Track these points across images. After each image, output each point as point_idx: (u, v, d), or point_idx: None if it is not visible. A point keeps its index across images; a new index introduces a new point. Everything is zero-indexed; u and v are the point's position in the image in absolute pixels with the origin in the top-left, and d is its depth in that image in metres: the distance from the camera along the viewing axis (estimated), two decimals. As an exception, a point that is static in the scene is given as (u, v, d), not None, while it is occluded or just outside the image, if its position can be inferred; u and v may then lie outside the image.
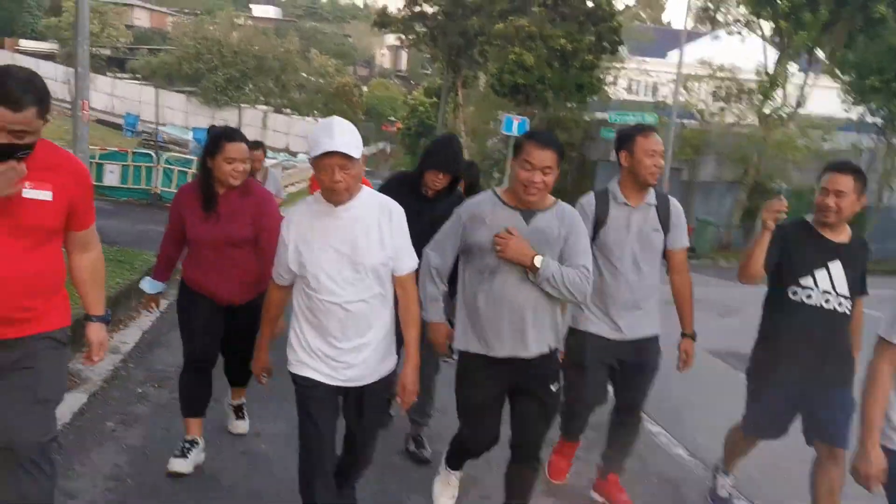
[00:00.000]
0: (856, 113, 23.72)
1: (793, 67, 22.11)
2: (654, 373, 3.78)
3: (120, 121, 37.14)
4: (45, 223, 2.47)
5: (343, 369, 2.87)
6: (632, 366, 3.71)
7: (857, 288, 3.54)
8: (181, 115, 46.01)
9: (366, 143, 2.96)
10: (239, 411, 4.33)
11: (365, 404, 2.98)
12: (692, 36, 27.40)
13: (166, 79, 45.78)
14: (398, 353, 3.08)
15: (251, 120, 45.16)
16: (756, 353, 3.72)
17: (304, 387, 2.89)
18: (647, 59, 32.88)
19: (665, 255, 3.75)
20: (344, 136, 2.71)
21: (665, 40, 33.96)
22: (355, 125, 2.88)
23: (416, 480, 3.94)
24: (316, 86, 53.56)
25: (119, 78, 47.18)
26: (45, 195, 2.44)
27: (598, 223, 3.63)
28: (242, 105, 46.64)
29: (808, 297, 3.46)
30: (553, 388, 3.20)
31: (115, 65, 50.42)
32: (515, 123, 19.31)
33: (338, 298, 2.81)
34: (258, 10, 68.84)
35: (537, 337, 3.10)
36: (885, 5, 19.89)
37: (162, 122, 36.98)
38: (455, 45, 23.80)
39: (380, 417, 3.20)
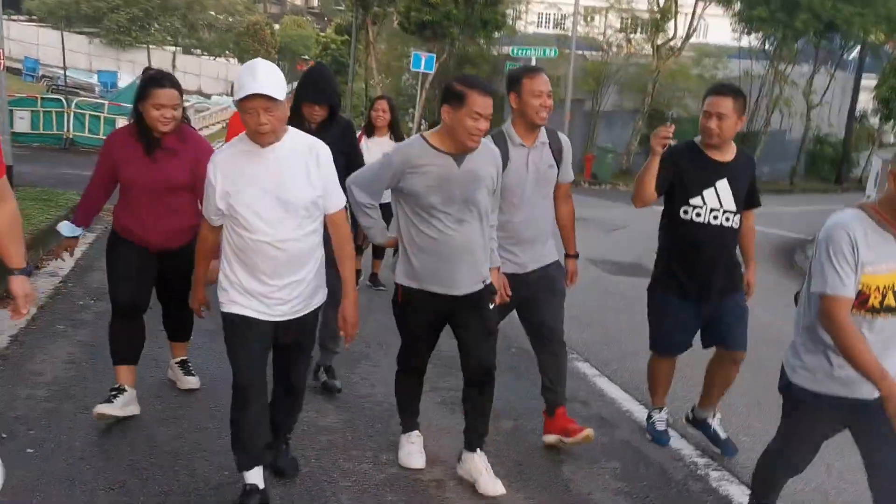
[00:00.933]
0: (746, 41, 25.33)
1: None
2: (562, 295, 3.91)
3: (18, 65, 35.86)
4: None
5: (277, 305, 2.95)
6: (543, 292, 3.81)
7: (747, 201, 3.77)
8: (84, 58, 44.43)
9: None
10: (185, 366, 4.25)
11: (298, 335, 3.08)
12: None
13: (65, 20, 44.00)
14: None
15: (159, 62, 44.01)
16: (655, 272, 3.94)
17: (236, 324, 2.93)
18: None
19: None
20: (268, 77, 2.75)
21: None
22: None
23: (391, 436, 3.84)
24: (226, 24, 52.30)
25: (13, 20, 45.09)
26: None
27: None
28: (151, 46, 45.32)
29: (698, 215, 3.67)
30: (490, 305, 3.36)
31: (9, 5, 48.00)
32: (423, 59, 19.99)
33: (268, 237, 2.86)
34: (158, -54, 66.25)
35: (469, 276, 3.26)
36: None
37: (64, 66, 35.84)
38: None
39: (310, 347, 3.25)
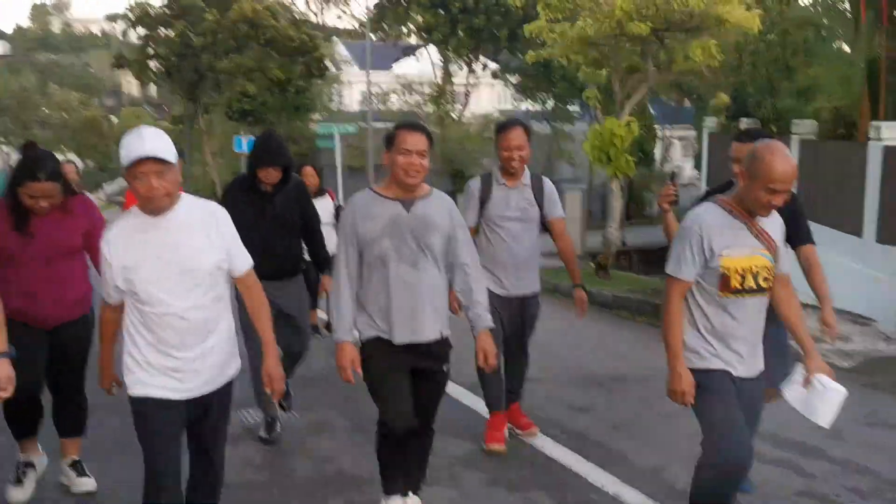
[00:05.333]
0: (525, 106, 30.43)
1: (462, 76, 28.27)
2: (534, 324, 4.62)
3: None
4: None
5: (189, 380, 2.84)
6: (518, 317, 4.48)
7: (799, 238, 3.74)
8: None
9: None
10: (77, 468, 3.94)
11: (213, 409, 2.96)
12: (409, 50, 33.02)
13: None
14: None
15: (-5, 162, 44.72)
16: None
17: (147, 407, 2.82)
18: (375, 71, 38.31)
19: (548, 224, 4.49)
20: (156, 141, 2.65)
21: (396, 52, 39.04)
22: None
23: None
24: (61, 121, 53.29)
25: None
26: None
27: (483, 200, 4.36)
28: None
29: None
30: (445, 368, 3.44)
31: None
32: (244, 142, 23.49)
33: (173, 308, 2.76)
34: (-16, 47, 66.15)
35: (432, 322, 3.30)
36: (507, 29, 26.12)
37: None
38: (190, 80, 27.52)
39: (227, 421, 3.11)
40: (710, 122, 18.37)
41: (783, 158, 2.90)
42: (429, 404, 3.47)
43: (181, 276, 2.78)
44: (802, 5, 15.16)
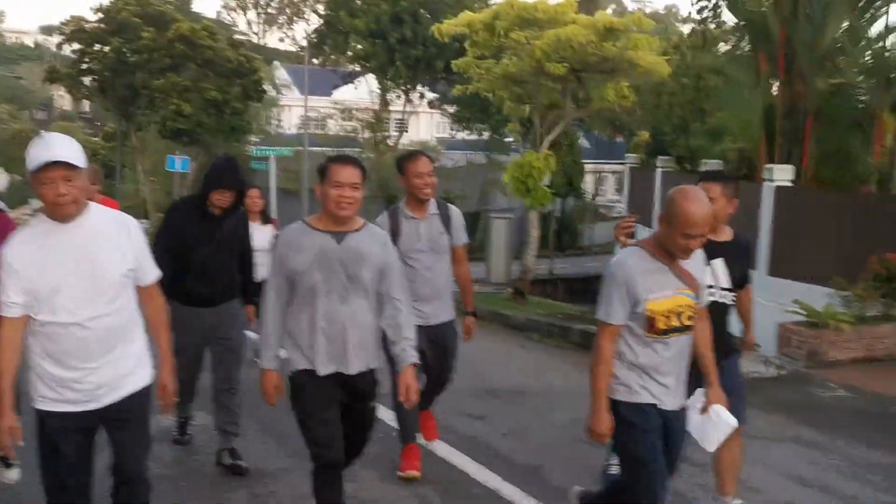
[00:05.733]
0: (463, 135, 31.19)
1: (399, 103, 28.87)
2: (455, 349, 4.68)
3: None
4: None
5: (93, 390, 2.78)
6: (438, 344, 4.54)
7: (741, 280, 3.80)
8: None
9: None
10: (3, 460, 3.88)
11: (124, 421, 2.90)
12: (348, 77, 33.47)
13: None
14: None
15: (-85, 173, 43.21)
16: None
17: (53, 422, 2.77)
18: (314, 96, 38.72)
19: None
20: (64, 146, 2.62)
21: (336, 78, 39.47)
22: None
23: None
24: (-13, 133, 51.90)
25: None
26: None
27: (394, 234, 4.21)
28: None
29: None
30: (371, 405, 3.49)
31: None
32: (178, 161, 23.52)
33: (75, 318, 2.70)
34: None
35: (360, 354, 3.31)
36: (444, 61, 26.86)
37: None
38: (124, 96, 27.40)
39: (143, 429, 3.04)
40: (631, 158, 19.32)
41: (698, 204, 2.96)
42: (356, 438, 3.52)
43: (89, 283, 2.73)
44: (714, 52, 16.23)
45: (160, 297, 3.07)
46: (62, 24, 29.64)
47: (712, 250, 3.55)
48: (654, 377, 3.17)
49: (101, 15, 27.87)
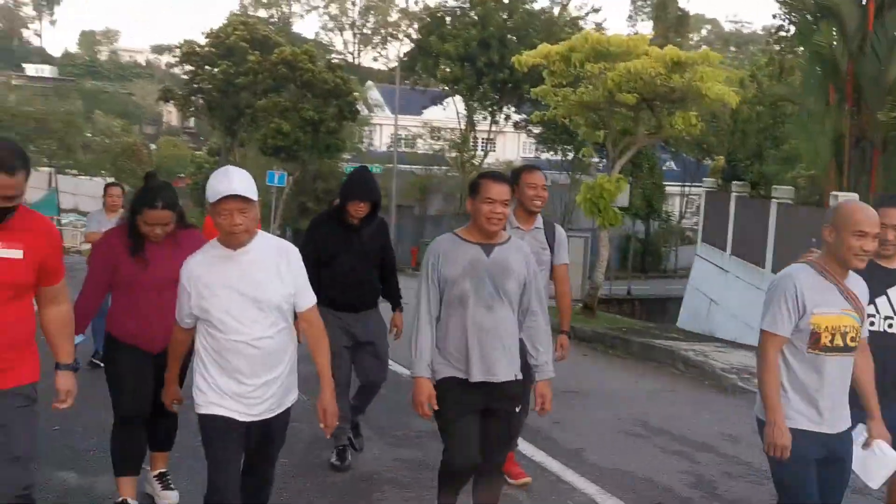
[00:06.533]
0: (547, 156, 32.01)
1: (485, 124, 29.98)
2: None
3: None
4: (17, 279, 2.70)
5: (254, 405, 3.03)
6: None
7: None
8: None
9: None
10: (163, 480, 4.11)
11: (272, 435, 3.17)
12: (437, 98, 34.82)
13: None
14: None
15: (36, 181, 46.55)
16: None
17: (215, 425, 3.00)
18: (404, 116, 40.39)
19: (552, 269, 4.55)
20: (242, 181, 2.88)
21: (425, 99, 40.82)
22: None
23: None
24: (102, 146, 55.34)
25: None
26: (17, 254, 2.68)
27: None
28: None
29: (872, 324, 3.45)
30: (517, 409, 3.57)
31: None
32: (276, 176, 25.25)
33: (243, 337, 2.95)
34: (31, 71, 67.02)
35: (507, 362, 3.41)
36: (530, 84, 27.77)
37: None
38: (229, 115, 29.56)
39: (281, 445, 3.29)
40: (708, 182, 19.75)
41: (863, 206, 3.07)
42: (498, 444, 3.55)
43: (253, 306, 2.96)
44: (790, 82, 16.57)
45: (319, 322, 3.21)
46: (176, 46, 32.16)
47: (886, 279, 3.55)
48: (811, 398, 3.11)
49: (210, 39, 30.23)
